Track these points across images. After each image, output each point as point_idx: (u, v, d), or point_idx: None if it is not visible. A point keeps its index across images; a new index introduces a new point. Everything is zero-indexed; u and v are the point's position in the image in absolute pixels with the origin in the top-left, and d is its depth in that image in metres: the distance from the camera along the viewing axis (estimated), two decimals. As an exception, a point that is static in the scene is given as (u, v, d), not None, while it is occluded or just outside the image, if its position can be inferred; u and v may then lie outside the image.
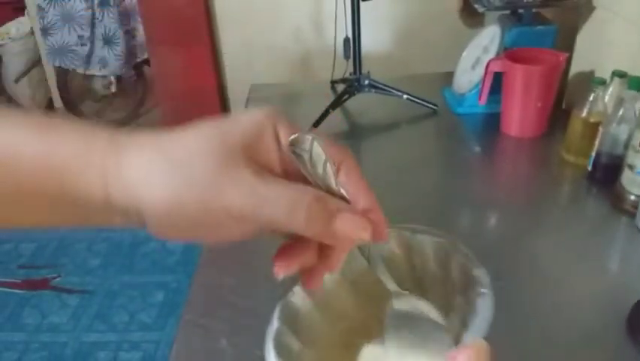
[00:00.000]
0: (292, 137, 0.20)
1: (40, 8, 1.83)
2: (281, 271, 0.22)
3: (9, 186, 0.20)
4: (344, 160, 0.22)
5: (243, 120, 0.21)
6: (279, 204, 0.20)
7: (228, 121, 0.21)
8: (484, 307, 0.21)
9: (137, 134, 0.21)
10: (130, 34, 1.89)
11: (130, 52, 1.92)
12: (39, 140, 0.20)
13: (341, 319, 0.27)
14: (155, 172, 0.19)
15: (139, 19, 1.84)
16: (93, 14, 1.82)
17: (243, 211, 0.19)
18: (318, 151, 0.21)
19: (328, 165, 0.21)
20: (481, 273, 0.23)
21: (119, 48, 1.88)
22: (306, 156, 0.21)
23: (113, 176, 0.20)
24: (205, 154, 0.19)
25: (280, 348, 0.23)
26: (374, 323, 0.26)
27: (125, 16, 1.85)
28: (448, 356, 0.18)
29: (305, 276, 0.24)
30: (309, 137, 0.21)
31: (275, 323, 0.23)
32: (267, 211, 0.19)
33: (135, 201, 0.20)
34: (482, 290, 0.22)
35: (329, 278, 0.27)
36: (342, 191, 0.21)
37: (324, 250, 0.23)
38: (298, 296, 0.25)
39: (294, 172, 0.22)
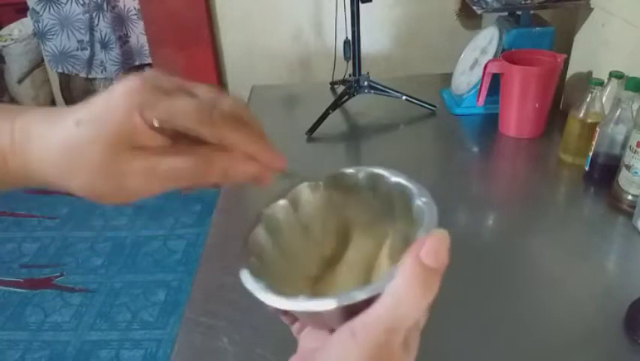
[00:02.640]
0: (154, 122, 0.21)
1: (34, 12, 1.80)
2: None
3: None
4: (215, 129, 0.22)
5: (111, 110, 0.22)
6: (178, 176, 0.22)
7: (98, 112, 0.22)
8: (430, 211, 0.22)
9: (33, 116, 0.22)
10: (123, 39, 1.88)
11: (124, 57, 1.90)
12: None
13: (317, 245, 0.27)
14: (57, 164, 0.22)
15: (132, 24, 1.83)
16: (91, 18, 1.81)
17: (143, 191, 0.22)
18: (182, 129, 0.21)
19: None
20: (418, 188, 0.24)
21: (114, 53, 1.88)
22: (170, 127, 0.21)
23: (28, 164, 0.22)
24: (88, 148, 0.21)
25: (255, 246, 0.24)
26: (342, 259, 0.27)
27: (118, 21, 1.84)
28: (413, 245, 0.18)
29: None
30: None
31: (256, 227, 0.24)
32: (167, 185, 0.22)
33: (53, 182, 0.22)
34: (423, 200, 0.23)
35: (312, 202, 0.28)
36: None
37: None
38: (282, 209, 0.26)
39: (178, 134, 0.22)
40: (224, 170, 0.23)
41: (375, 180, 0.27)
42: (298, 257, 0.27)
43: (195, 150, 0.22)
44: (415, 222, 0.23)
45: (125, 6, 1.82)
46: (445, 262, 0.18)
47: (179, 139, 0.22)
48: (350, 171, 0.28)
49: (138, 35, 1.87)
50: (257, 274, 0.23)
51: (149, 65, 2.01)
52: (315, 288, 0.26)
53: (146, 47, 1.87)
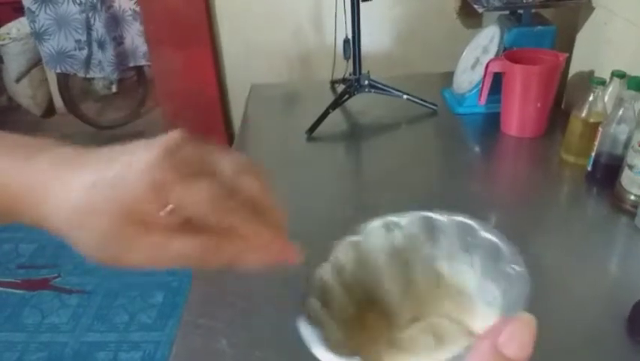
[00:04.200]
0: (169, 206, 0.21)
1: (30, 11, 1.78)
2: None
3: None
4: (231, 220, 0.22)
5: (132, 180, 0.21)
6: (178, 257, 0.22)
7: (119, 180, 0.22)
8: (521, 281, 0.20)
9: (52, 160, 0.23)
10: (117, 40, 1.87)
11: (119, 58, 1.88)
12: None
13: (362, 302, 0.27)
14: (66, 220, 0.22)
15: (127, 25, 1.83)
16: (87, 17, 1.80)
17: (145, 266, 0.22)
18: (194, 212, 0.22)
19: None
20: (510, 248, 0.23)
21: (108, 53, 1.87)
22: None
23: (39, 212, 0.22)
24: (97, 216, 0.21)
25: (313, 320, 0.23)
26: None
27: (113, 22, 1.83)
28: (491, 328, 0.16)
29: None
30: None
31: (306, 296, 0.24)
32: (168, 262, 0.22)
33: (61, 234, 0.22)
34: (515, 267, 0.22)
35: (353, 259, 0.27)
36: None
37: None
38: (326, 271, 0.26)
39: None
40: (232, 256, 0.22)
41: (464, 231, 0.26)
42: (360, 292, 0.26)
43: (205, 233, 0.22)
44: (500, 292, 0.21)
45: (120, 7, 1.81)
46: (528, 356, 0.15)
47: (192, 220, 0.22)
48: (438, 216, 0.26)
49: (133, 37, 1.86)
50: (317, 317, 0.22)
51: (142, 67, 2.00)
52: (364, 334, 0.26)
53: (141, 49, 1.87)
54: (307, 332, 0.22)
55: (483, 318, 0.23)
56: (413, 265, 0.27)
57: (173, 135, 0.22)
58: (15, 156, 0.23)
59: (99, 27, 1.81)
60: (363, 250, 0.27)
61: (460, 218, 0.26)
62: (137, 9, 1.79)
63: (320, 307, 0.24)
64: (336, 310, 0.25)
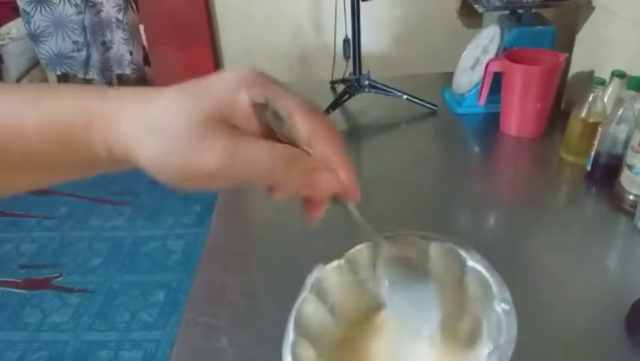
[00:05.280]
0: (258, 101, 0.21)
1: (25, 12, 1.77)
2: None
3: (14, 155, 0.22)
4: (314, 125, 0.22)
5: (219, 84, 0.22)
6: (256, 165, 0.21)
7: (205, 84, 0.22)
8: (510, 324, 0.21)
9: (125, 92, 0.22)
10: (105, 45, 1.85)
11: (105, 63, 1.87)
12: (39, 109, 0.22)
13: (353, 324, 0.27)
14: (140, 134, 0.21)
15: (113, 33, 1.81)
16: (83, 18, 1.79)
17: (220, 173, 0.21)
18: (283, 113, 0.21)
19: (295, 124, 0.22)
20: (499, 286, 0.23)
21: (94, 57, 1.87)
22: (271, 118, 0.21)
23: (111, 136, 0.22)
24: (180, 118, 0.21)
25: (297, 359, 0.23)
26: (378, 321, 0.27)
27: (100, 27, 1.82)
28: None
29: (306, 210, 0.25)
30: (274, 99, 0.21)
31: (290, 335, 0.24)
32: (242, 171, 0.21)
33: (132, 156, 0.21)
34: (504, 306, 0.22)
35: (339, 282, 0.27)
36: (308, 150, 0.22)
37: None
38: (310, 304, 0.26)
39: (270, 131, 0.22)
40: (303, 171, 0.22)
41: (449, 258, 0.26)
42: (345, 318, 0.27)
43: (283, 144, 0.22)
44: (482, 327, 0.21)
45: (108, 13, 1.81)
46: None
47: (270, 136, 0.22)
48: (420, 239, 0.27)
49: (119, 45, 1.85)
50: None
51: (126, 75, 2.00)
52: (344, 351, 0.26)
53: (127, 57, 1.87)
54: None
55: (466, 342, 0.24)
56: (402, 286, 0.27)
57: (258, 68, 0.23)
58: (88, 94, 0.22)
59: (88, 30, 1.81)
60: (348, 272, 0.27)
61: (449, 245, 0.26)
62: (121, 17, 1.78)
63: (305, 345, 0.24)
64: (322, 337, 0.25)
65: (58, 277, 1.45)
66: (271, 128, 0.22)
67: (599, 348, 0.45)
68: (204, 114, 0.21)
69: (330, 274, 0.26)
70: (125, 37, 1.81)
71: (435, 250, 0.26)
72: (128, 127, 0.21)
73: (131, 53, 1.86)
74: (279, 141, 0.22)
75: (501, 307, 0.21)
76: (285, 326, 0.24)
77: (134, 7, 1.81)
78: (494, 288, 0.23)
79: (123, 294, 1.38)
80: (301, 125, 0.22)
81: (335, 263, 0.27)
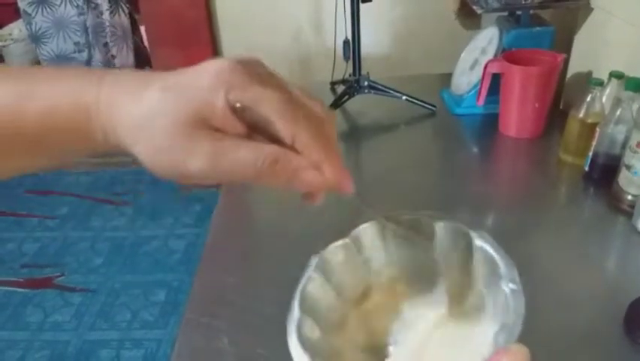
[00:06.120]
0: (236, 105, 0.21)
1: (26, 14, 1.77)
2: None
3: (13, 138, 0.22)
4: (295, 130, 0.22)
5: (198, 83, 0.21)
6: (240, 168, 0.21)
7: (185, 82, 0.22)
8: (517, 304, 0.21)
9: (120, 80, 0.22)
10: (107, 47, 1.84)
11: (107, 65, 1.85)
12: (36, 101, 0.22)
13: (358, 301, 0.27)
14: (134, 131, 0.22)
15: (110, 36, 1.80)
16: (85, 19, 1.78)
17: (206, 175, 0.21)
18: (264, 119, 0.21)
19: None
20: (507, 265, 0.23)
21: (98, 58, 1.87)
22: (250, 116, 0.21)
23: (109, 128, 0.22)
24: (166, 121, 0.21)
25: (303, 339, 0.23)
26: (390, 303, 0.27)
27: (102, 28, 1.80)
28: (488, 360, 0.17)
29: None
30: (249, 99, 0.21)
31: (295, 313, 0.24)
32: (228, 173, 0.21)
33: (129, 149, 0.22)
34: (512, 286, 0.22)
35: (343, 261, 0.27)
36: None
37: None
38: (315, 283, 0.26)
39: (255, 128, 0.22)
40: (288, 172, 0.22)
41: (456, 236, 0.26)
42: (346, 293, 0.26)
43: (266, 145, 0.22)
44: (488, 305, 0.22)
45: (112, 16, 1.80)
46: None
47: (255, 134, 0.22)
48: (427, 218, 0.27)
49: (116, 53, 1.85)
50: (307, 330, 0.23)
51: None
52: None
53: (111, 62, 1.86)
54: (298, 353, 0.22)
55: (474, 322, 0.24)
56: (406, 266, 0.27)
57: (245, 55, 0.22)
58: (84, 78, 0.23)
59: (90, 31, 1.81)
60: (353, 251, 0.27)
61: (456, 224, 0.26)
62: (110, 20, 1.78)
63: (310, 324, 0.24)
64: (325, 317, 0.25)
65: (60, 276, 1.45)
66: (257, 125, 0.22)
67: (597, 348, 0.45)
68: (188, 116, 0.21)
69: (334, 252, 0.27)
70: (113, 40, 1.81)
71: (441, 229, 0.27)
72: (122, 125, 0.22)
73: (113, 57, 1.86)
74: (268, 137, 0.22)
75: (509, 287, 0.22)
76: (285, 327, 0.24)
77: (125, 10, 1.81)
78: (502, 268, 0.23)
79: (124, 293, 1.38)
80: (282, 131, 0.22)
81: (340, 242, 0.27)
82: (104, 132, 0.22)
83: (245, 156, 0.21)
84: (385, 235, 0.28)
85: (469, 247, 0.25)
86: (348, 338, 0.26)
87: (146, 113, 0.21)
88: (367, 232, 0.28)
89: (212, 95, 0.21)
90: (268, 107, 0.21)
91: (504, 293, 0.22)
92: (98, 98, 0.22)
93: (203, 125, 0.21)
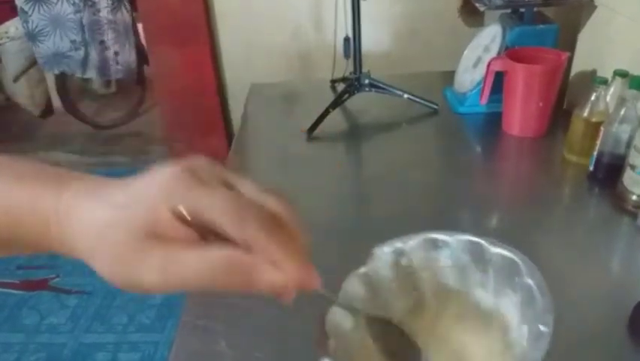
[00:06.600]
0: (178, 212, 0.21)
1: (22, 11, 1.75)
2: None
3: None
4: (246, 234, 0.21)
5: (143, 193, 0.22)
6: (193, 277, 0.21)
7: (133, 193, 0.22)
8: (539, 346, 0.20)
9: (79, 191, 0.23)
10: (104, 45, 1.83)
11: (103, 64, 1.85)
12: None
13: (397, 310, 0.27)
14: (92, 244, 0.22)
15: (111, 34, 1.80)
16: (81, 17, 1.77)
17: (160, 288, 0.21)
18: (208, 224, 0.21)
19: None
20: (546, 304, 0.23)
21: (93, 56, 1.85)
22: (201, 221, 0.21)
23: (66, 240, 0.23)
24: (119, 237, 0.21)
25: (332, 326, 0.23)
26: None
27: (98, 26, 1.79)
28: None
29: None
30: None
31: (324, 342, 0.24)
32: (182, 283, 0.21)
33: (86, 261, 0.23)
34: (542, 328, 0.22)
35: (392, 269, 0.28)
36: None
37: None
38: (358, 279, 0.27)
39: (209, 229, 0.21)
40: (245, 275, 0.21)
41: (473, 250, 0.26)
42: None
43: (219, 249, 0.21)
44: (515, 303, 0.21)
45: (108, 14, 1.79)
46: None
47: (212, 236, 0.21)
48: (442, 237, 0.27)
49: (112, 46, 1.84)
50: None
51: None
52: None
53: (113, 59, 1.85)
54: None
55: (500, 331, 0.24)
56: (423, 285, 0.27)
57: (196, 157, 0.22)
58: (45, 185, 0.23)
59: (86, 29, 1.80)
60: (373, 280, 0.27)
61: (467, 237, 0.26)
62: (112, 17, 1.77)
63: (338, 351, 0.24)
64: (352, 344, 0.25)
65: (55, 278, 1.44)
66: (209, 227, 0.21)
67: (602, 349, 0.45)
68: (138, 229, 0.21)
69: (384, 258, 0.27)
70: (114, 37, 1.80)
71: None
72: (81, 239, 0.22)
73: (116, 54, 1.85)
74: (226, 237, 0.21)
75: (535, 289, 0.21)
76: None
77: (128, 7, 1.80)
78: (522, 267, 0.23)
79: (121, 296, 1.37)
80: (231, 236, 0.21)
81: (390, 248, 0.27)
82: (61, 241, 0.23)
83: (197, 264, 0.21)
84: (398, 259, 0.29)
85: (483, 256, 0.25)
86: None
87: (100, 229, 0.22)
88: (382, 255, 0.28)
89: (157, 206, 0.21)
90: (213, 213, 0.21)
91: (527, 288, 0.21)
92: (56, 210, 0.23)
93: (153, 235, 0.21)
